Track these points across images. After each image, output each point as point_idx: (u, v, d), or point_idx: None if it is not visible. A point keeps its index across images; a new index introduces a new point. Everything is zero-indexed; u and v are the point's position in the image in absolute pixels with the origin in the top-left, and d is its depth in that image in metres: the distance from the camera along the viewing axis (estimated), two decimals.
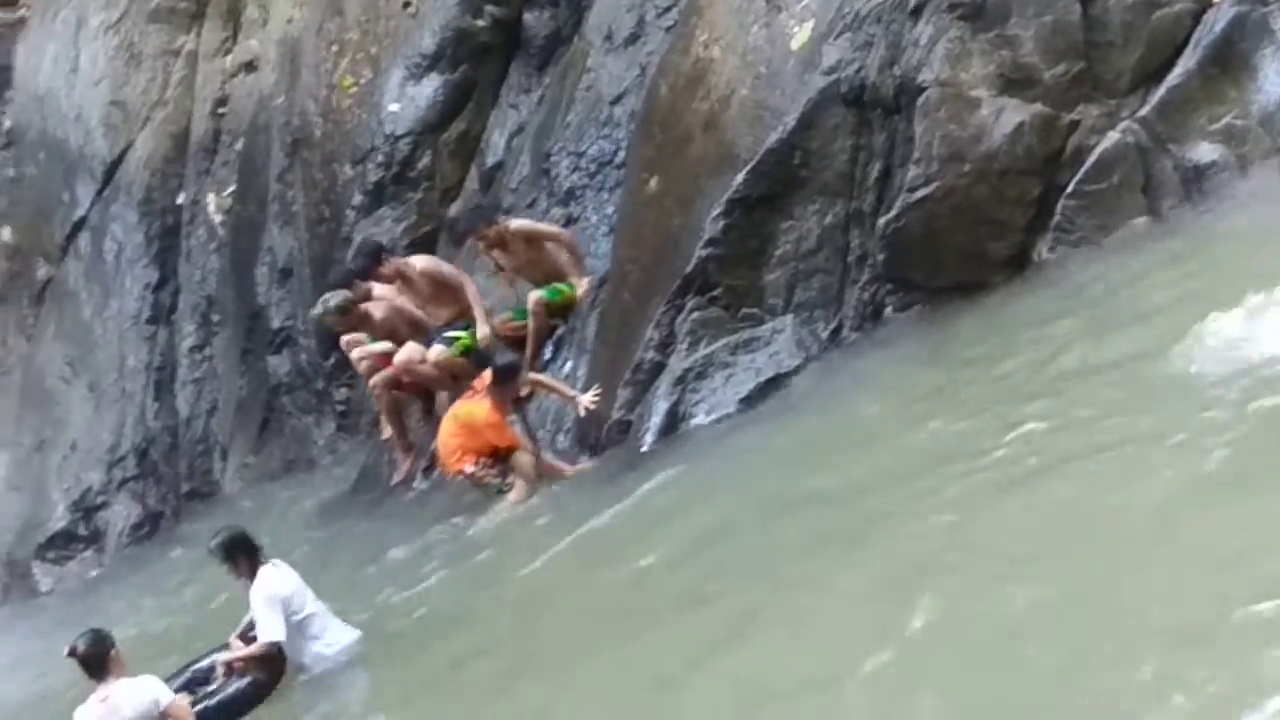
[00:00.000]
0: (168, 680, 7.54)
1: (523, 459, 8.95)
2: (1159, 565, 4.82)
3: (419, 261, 10.20)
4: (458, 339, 9.89)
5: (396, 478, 10.44)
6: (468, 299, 9.85)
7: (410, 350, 9.99)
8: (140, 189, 13.42)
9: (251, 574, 7.68)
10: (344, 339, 10.57)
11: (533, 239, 9.88)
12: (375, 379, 10.30)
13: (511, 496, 8.92)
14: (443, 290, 9.98)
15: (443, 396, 10.01)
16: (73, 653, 7.27)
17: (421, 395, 10.39)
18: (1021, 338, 7.37)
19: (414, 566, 8.63)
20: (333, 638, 7.67)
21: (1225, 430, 5.51)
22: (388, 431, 10.54)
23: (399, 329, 10.20)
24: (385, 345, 10.22)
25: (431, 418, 10.14)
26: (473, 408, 9.09)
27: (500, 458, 8.99)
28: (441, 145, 11.49)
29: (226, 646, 7.86)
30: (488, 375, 9.11)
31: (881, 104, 8.41)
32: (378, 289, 10.24)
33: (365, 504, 10.53)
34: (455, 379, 9.80)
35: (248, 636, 7.79)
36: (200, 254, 13.07)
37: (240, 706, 7.56)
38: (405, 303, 10.22)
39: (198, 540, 11.34)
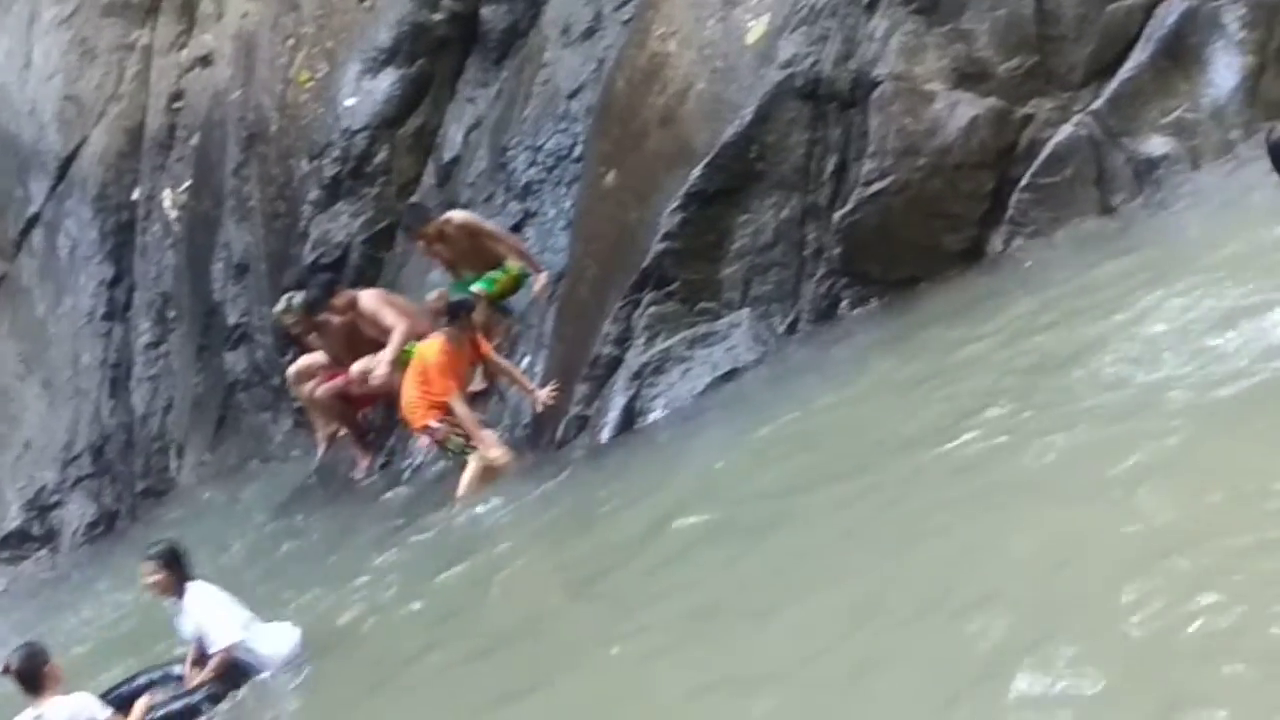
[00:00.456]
0: (103, 696, 7.43)
1: (472, 466, 8.93)
2: (1115, 549, 4.84)
3: (365, 297, 10.13)
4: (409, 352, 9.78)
5: (357, 474, 10.42)
6: (396, 340, 9.77)
7: (368, 361, 9.97)
8: (95, 185, 13.32)
9: (181, 588, 7.53)
10: (291, 370, 10.55)
11: (475, 233, 9.87)
12: (321, 390, 10.26)
13: (465, 480, 8.90)
14: (386, 331, 9.96)
15: None
16: (6, 669, 7.12)
17: (369, 406, 10.35)
18: (976, 332, 7.40)
19: (370, 565, 8.57)
20: (274, 644, 7.57)
21: (1176, 423, 5.54)
22: (338, 432, 10.48)
23: (355, 339, 10.12)
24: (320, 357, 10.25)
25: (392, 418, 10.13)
26: (424, 349, 9.13)
27: None
28: (398, 140, 11.45)
29: (167, 673, 7.71)
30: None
31: (837, 98, 8.43)
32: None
33: (323, 501, 10.49)
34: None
35: (202, 659, 7.61)
36: (156, 250, 12.98)
37: (194, 711, 7.45)
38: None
39: (154, 538, 11.29)
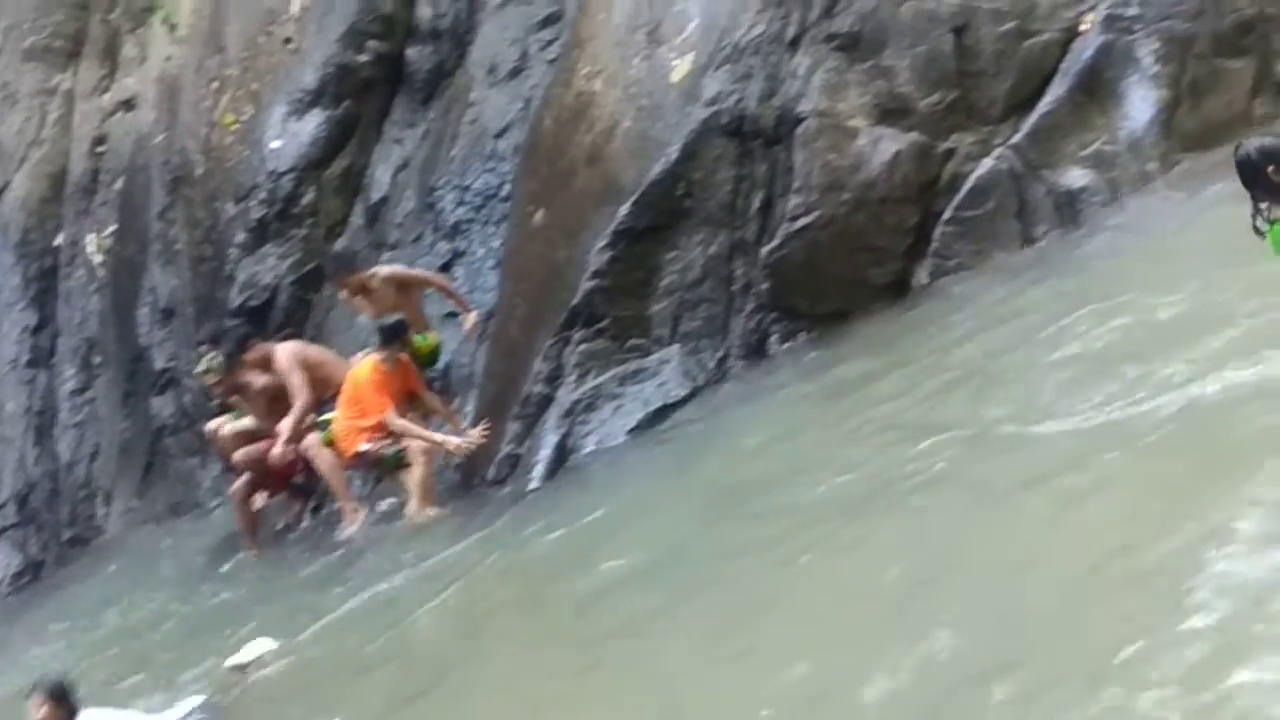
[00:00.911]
0: None
1: (416, 472, 8.91)
2: (1056, 592, 4.85)
3: (280, 355, 9.79)
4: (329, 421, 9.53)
5: (284, 520, 10.32)
6: (293, 415, 9.52)
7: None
8: (17, 230, 13.17)
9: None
10: (209, 426, 10.40)
11: (404, 285, 9.73)
12: (240, 455, 9.93)
13: (410, 508, 8.86)
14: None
15: None
16: None
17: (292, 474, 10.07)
18: (902, 368, 7.45)
19: (298, 613, 8.47)
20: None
21: (1106, 456, 5.58)
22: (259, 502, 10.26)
23: (280, 400, 9.76)
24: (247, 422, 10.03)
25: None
26: (357, 371, 9.14)
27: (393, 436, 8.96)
28: (325, 181, 11.39)
29: None
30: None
31: (762, 134, 8.50)
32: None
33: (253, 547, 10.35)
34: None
35: None
36: (80, 295, 12.84)
37: None
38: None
39: (81, 587, 11.13)
